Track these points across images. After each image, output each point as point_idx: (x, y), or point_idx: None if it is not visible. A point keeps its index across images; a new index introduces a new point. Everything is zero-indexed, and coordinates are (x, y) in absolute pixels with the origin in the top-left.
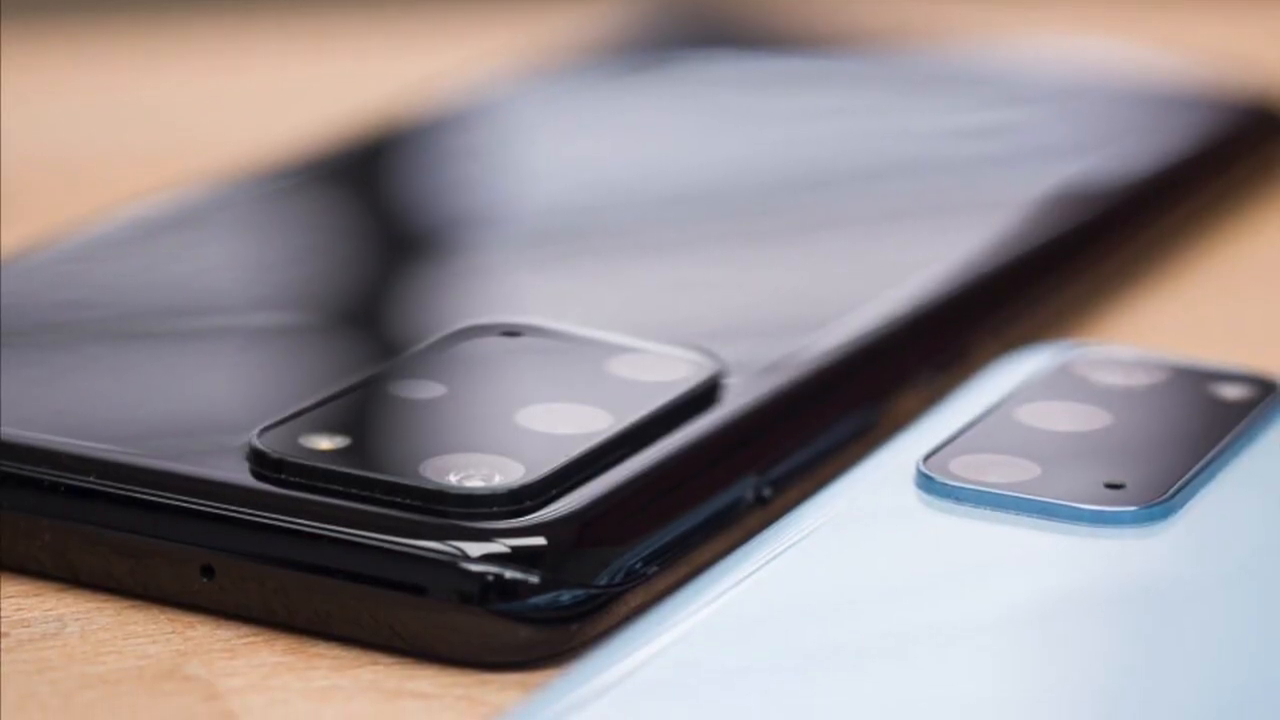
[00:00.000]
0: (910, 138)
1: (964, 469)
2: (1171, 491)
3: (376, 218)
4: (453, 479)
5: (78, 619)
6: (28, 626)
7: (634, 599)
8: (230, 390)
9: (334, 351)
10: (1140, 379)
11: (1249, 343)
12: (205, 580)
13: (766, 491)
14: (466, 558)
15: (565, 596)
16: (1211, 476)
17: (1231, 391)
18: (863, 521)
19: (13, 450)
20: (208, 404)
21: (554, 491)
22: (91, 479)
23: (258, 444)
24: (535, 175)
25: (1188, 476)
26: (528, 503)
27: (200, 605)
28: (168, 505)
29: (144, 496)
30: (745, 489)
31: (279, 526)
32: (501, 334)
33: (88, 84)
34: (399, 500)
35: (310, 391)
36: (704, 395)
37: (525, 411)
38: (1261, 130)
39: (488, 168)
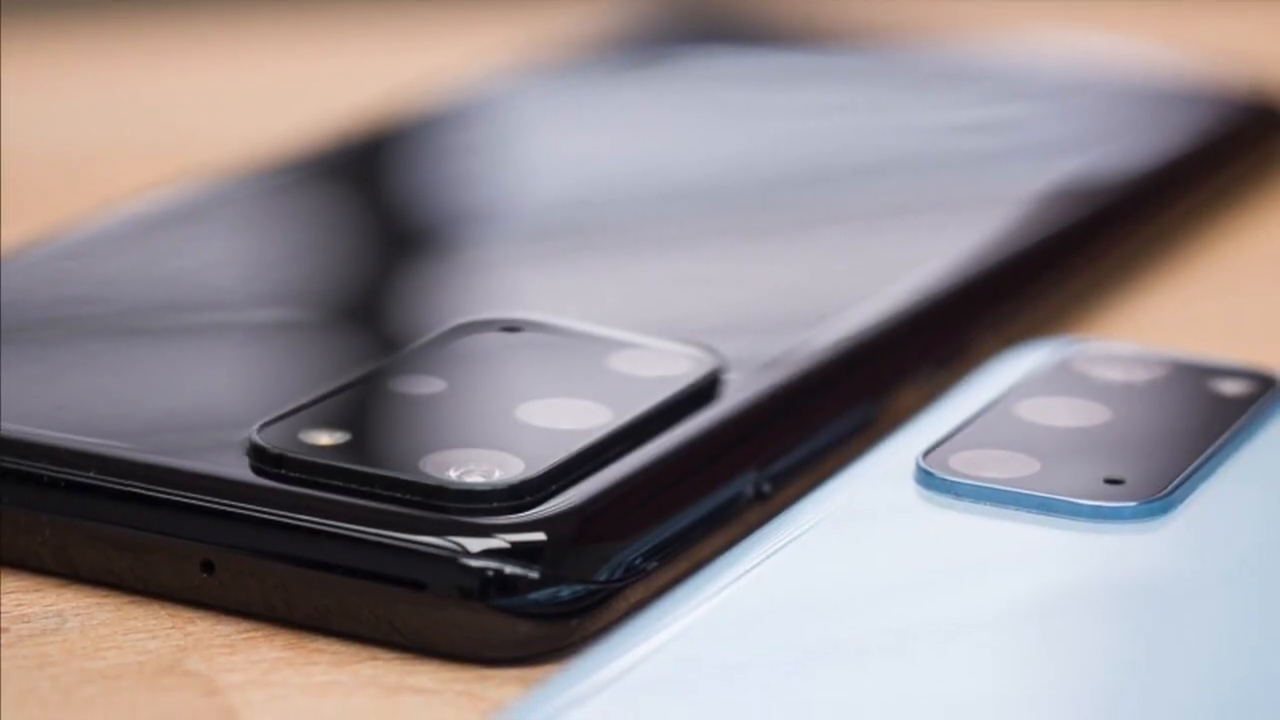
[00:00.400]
0: (910, 133)
1: (963, 464)
2: (1171, 487)
3: (376, 213)
4: (452, 474)
5: (78, 614)
6: (28, 622)
7: (634, 594)
8: (230, 385)
9: (334, 347)
10: (1140, 374)
11: (1249, 338)
12: (205, 575)
13: (766, 487)
14: (466, 553)
15: (565, 592)
16: (1211, 472)
17: (1231, 387)
18: (862, 517)
19: (12, 446)
20: (207, 399)
21: (554, 487)
22: (91, 474)
23: (258, 439)
24: (535, 171)
25: (1187, 472)
26: (527, 498)
27: (200, 600)
28: (168, 501)
29: (144, 492)
30: (745, 484)
31: (279, 522)
32: (501, 329)
33: (88, 80)
34: (399, 496)
35: (310, 387)
36: (704, 391)
37: (525, 407)
38: (1261, 126)
39: (487, 163)
